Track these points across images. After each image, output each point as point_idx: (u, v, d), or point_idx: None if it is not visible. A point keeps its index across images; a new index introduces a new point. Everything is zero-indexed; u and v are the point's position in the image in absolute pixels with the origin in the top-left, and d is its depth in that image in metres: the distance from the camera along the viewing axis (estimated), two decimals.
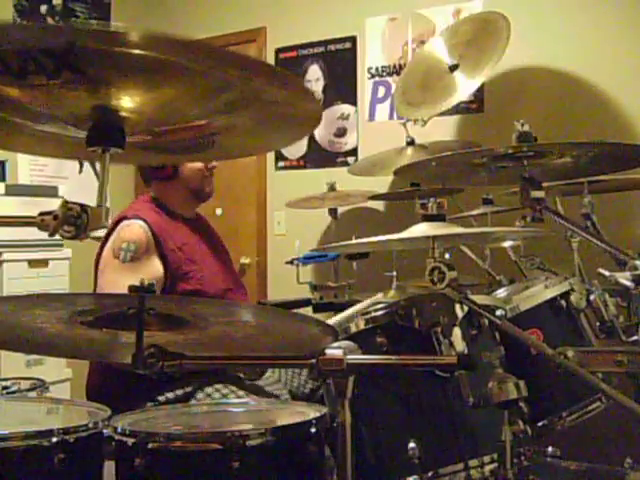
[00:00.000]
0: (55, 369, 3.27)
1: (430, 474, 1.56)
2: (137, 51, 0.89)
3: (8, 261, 3.19)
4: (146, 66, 0.94)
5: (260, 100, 1.05)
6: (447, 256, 1.95)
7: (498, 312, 1.69)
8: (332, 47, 3.85)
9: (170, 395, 2.02)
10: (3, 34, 0.87)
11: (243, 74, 0.98)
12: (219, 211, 4.01)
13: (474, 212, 2.67)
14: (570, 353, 1.47)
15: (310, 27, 3.92)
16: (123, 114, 1.03)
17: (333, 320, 1.79)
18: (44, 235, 1.02)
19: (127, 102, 1.02)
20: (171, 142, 1.21)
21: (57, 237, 1.02)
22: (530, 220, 1.62)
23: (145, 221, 2.13)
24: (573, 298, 1.91)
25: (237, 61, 0.96)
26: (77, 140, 1.10)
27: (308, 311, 2.86)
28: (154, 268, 2.09)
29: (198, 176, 2.32)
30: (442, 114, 3.09)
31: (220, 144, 1.23)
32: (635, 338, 1.82)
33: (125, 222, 2.14)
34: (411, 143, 3.12)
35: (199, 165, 2.30)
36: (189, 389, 2.03)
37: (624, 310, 1.91)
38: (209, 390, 2.02)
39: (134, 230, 2.12)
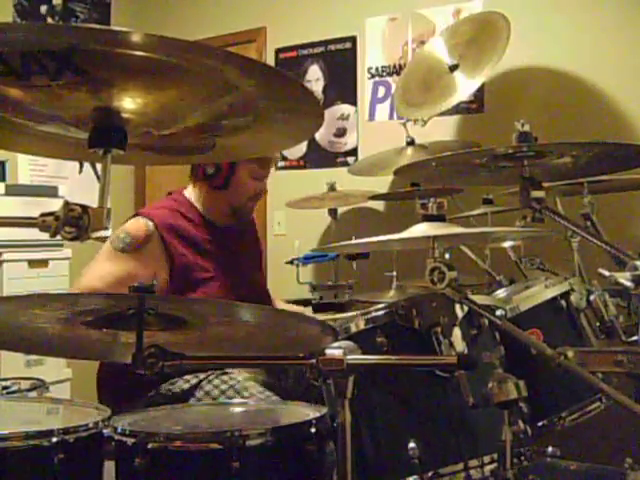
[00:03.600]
0: (55, 369, 3.27)
1: (430, 474, 1.56)
2: (139, 53, 0.90)
3: (8, 261, 3.19)
4: (148, 68, 0.94)
5: (262, 102, 1.05)
6: (447, 256, 1.95)
7: (498, 312, 1.69)
8: (332, 47, 3.85)
9: (181, 382, 2.04)
10: (5, 34, 0.87)
11: (245, 76, 0.98)
12: None
13: (474, 212, 2.67)
14: (570, 353, 1.47)
15: (310, 27, 3.92)
16: (125, 115, 1.04)
17: None
18: (44, 235, 1.02)
19: (129, 103, 1.02)
20: (172, 143, 1.21)
21: (57, 237, 1.02)
22: (530, 220, 1.62)
23: (153, 221, 2.15)
24: (573, 298, 1.91)
25: (239, 63, 0.96)
26: (78, 141, 1.10)
27: (308, 311, 2.86)
28: (140, 266, 2.09)
29: (245, 196, 2.30)
30: (442, 114, 3.09)
31: (221, 145, 1.24)
32: (635, 338, 1.82)
33: (136, 217, 2.19)
34: (411, 143, 3.12)
35: (252, 185, 2.28)
36: (195, 381, 2.04)
37: (624, 310, 1.92)
38: (216, 382, 2.03)
39: (137, 225, 2.15)
